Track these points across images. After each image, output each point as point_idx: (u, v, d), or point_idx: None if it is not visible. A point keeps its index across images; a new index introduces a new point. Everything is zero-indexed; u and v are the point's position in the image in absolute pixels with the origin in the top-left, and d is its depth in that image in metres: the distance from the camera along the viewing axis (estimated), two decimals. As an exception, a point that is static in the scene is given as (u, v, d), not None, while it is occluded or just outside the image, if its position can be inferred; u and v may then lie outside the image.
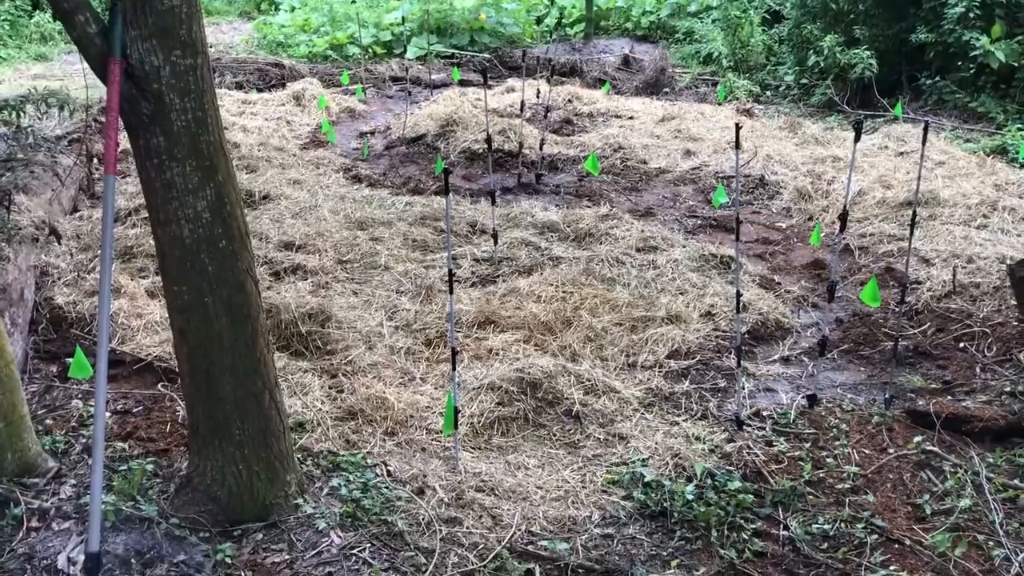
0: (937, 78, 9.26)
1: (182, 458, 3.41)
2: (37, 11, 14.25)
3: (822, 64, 9.90)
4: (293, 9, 14.96)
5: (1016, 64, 8.62)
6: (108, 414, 3.78)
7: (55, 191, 5.86)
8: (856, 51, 9.52)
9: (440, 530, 3.16)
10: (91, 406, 3.78)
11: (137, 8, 2.64)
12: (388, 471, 3.51)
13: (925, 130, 4.19)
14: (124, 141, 3.70)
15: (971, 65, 8.88)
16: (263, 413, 3.07)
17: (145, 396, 4.02)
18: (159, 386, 4.11)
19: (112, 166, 2.79)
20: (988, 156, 7.50)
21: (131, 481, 3.21)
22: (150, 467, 3.35)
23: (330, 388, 4.15)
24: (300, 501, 3.19)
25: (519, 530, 3.21)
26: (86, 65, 2.76)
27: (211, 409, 3.04)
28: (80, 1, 2.64)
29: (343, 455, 3.58)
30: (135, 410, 3.90)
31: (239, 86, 10.72)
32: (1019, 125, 8.22)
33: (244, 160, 7.49)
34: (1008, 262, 4.95)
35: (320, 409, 3.92)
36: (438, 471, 3.53)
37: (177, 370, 3.35)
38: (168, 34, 2.66)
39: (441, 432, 3.76)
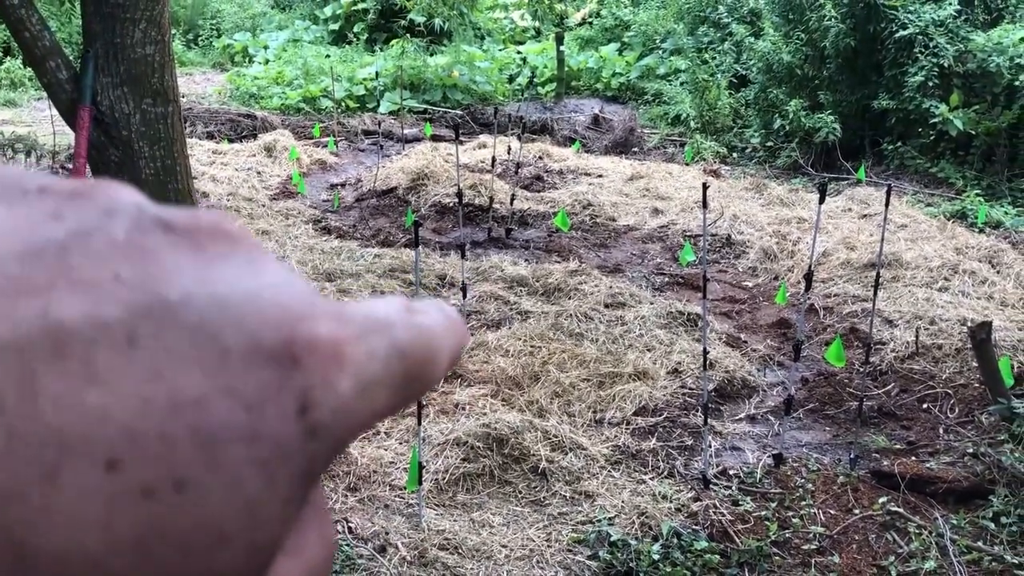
0: (898, 143, 9.50)
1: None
2: (8, 57, 14.24)
3: (787, 127, 10.11)
4: (267, 61, 15.07)
5: (973, 132, 8.87)
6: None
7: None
8: (820, 116, 9.75)
9: (402, 589, 3.09)
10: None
11: (109, 55, 2.64)
12: (349, 528, 3.44)
13: (888, 193, 4.27)
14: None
15: (931, 132, 9.12)
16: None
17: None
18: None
19: (77, 212, 2.76)
20: (949, 220, 7.67)
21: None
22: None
23: (293, 441, 4.08)
24: (258, 558, 3.11)
25: (483, 590, 3.15)
26: (55, 111, 2.75)
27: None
28: (52, 47, 2.64)
29: (304, 510, 3.50)
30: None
31: (210, 136, 10.72)
32: (977, 191, 8.43)
33: (213, 209, 7.45)
34: (969, 324, 5.03)
35: (282, 463, 3.85)
36: (401, 528, 3.47)
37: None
38: (139, 82, 2.66)
39: (405, 488, 3.71)
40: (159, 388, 0.21)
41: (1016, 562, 3.37)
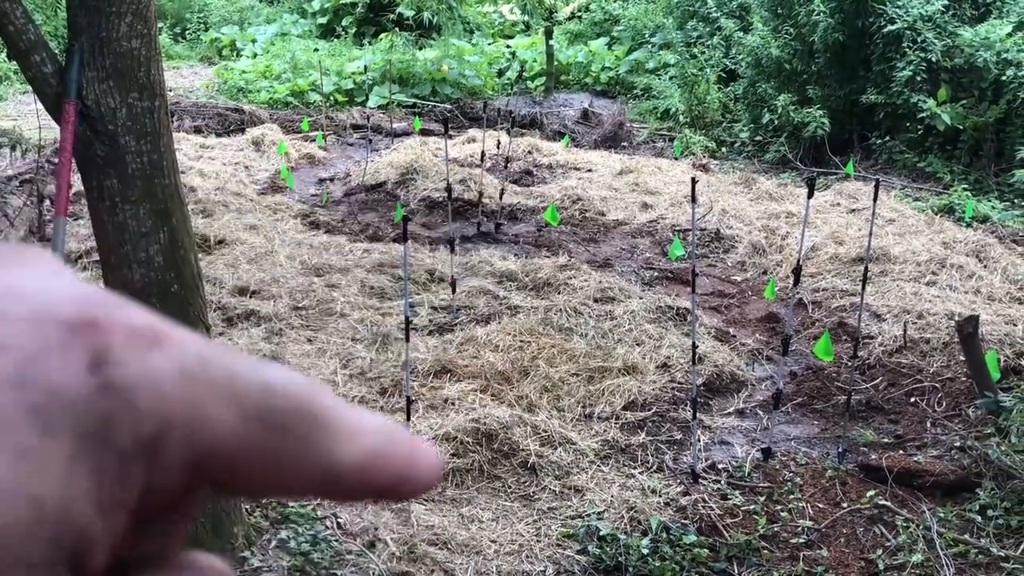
0: (887, 138, 9.52)
1: (125, 508, 3.31)
2: (-7, 50, 14.11)
3: (776, 122, 10.13)
4: (255, 55, 14.99)
5: (961, 127, 8.91)
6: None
7: (2, 231, 5.74)
8: (809, 110, 9.77)
9: (391, 585, 3.09)
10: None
11: (95, 49, 2.62)
12: (338, 524, 3.44)
13: (876, 188, 4.28)
14: (76, 183, 3.65)
15: (919, 126, 9.15)
16: (211, 462, 3.00)
17: (89, 444, 3.91)
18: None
19: (63, 207, 2.74)
20: (936, 215, 7.70)
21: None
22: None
23: (282, 437, 4.06)
24: (247, 554, 3.10)
25: (472, 585, 3.15)
26: (40, 105, 2.73)
27: (157, 458, 2.96)
28: (36, 41, 2.61)
29: (292, 507, 3.49)
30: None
31: (198, 130, 10.67)
32: (965, 185, 8.47)
33: (200, 204, 7.42)
34: (956, 319, 5.05)
35: (271, 458, 3.84)
36: (390, 524, 3.47)
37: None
38: (126, 76, 2.64)
39: (394, 483, 3.70)
40: None
41: (1002, 555, 3.39)
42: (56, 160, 6.38)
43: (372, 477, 0.24)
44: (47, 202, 6.84)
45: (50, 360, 0.21)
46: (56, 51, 2.68)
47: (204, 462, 0.22)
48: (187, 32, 17.99)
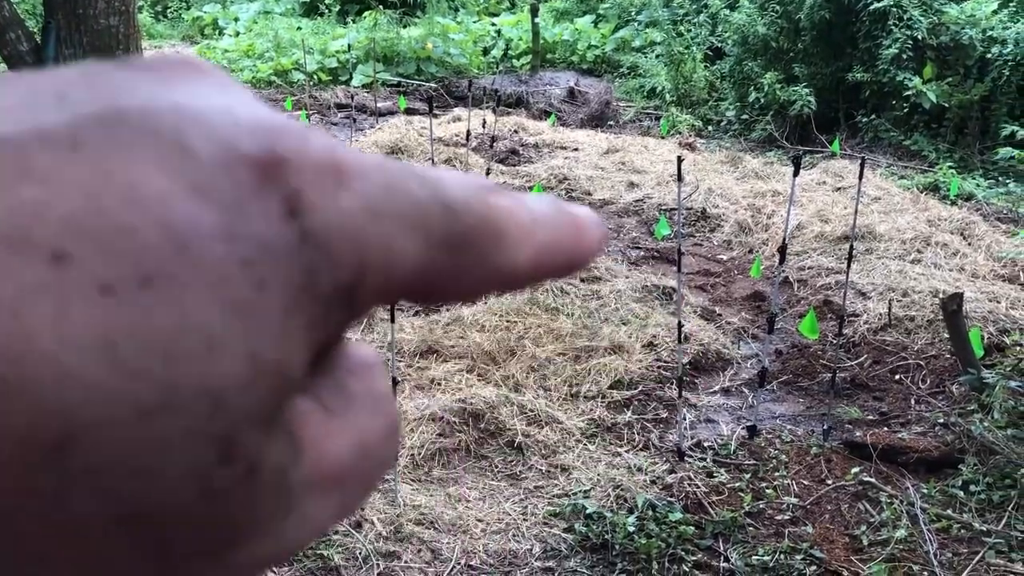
0: (873, 116, 9.53)
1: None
2: (-28, 29, 13.94)
3: (762, 100, 10.11)
4: (237, 34, 14.84)
5: (946, 104, 8.92)
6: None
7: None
8: (795, 88, 9.76)
9: (377, 564, 3.09)
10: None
11: (72, 27, 2.57)
12: (325, 504, 3.44)
13: (862, 166, 4.28)
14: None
15: (904, 104, 9.15)
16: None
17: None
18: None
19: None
20: (921, 192, 7.72)
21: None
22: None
23: (267, 418, 4.06)
24: (233, 535, 3.10)
25: (458, 564, 3.16)
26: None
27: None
28: (11, 19, 2.57)
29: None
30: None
31: (181, 110, 10.56)
32: (950, 163, 8.49)
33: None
34: (941, 296, 5.08)
35: (256, 440, 3.83)
36: (376, 504, 3.47)
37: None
38: (103, 54, 2.60)
39: (381, 463, 3.70)
40: (110, 184, 0.18)
41: (984, 529, 3.43)
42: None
43: (543, 270, 0.25)
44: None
45: (251, 208, 0.20)
46: (33, 30, 2.64)
47: (391, 292, 0.22)
48: (168, 10, 17.79)
